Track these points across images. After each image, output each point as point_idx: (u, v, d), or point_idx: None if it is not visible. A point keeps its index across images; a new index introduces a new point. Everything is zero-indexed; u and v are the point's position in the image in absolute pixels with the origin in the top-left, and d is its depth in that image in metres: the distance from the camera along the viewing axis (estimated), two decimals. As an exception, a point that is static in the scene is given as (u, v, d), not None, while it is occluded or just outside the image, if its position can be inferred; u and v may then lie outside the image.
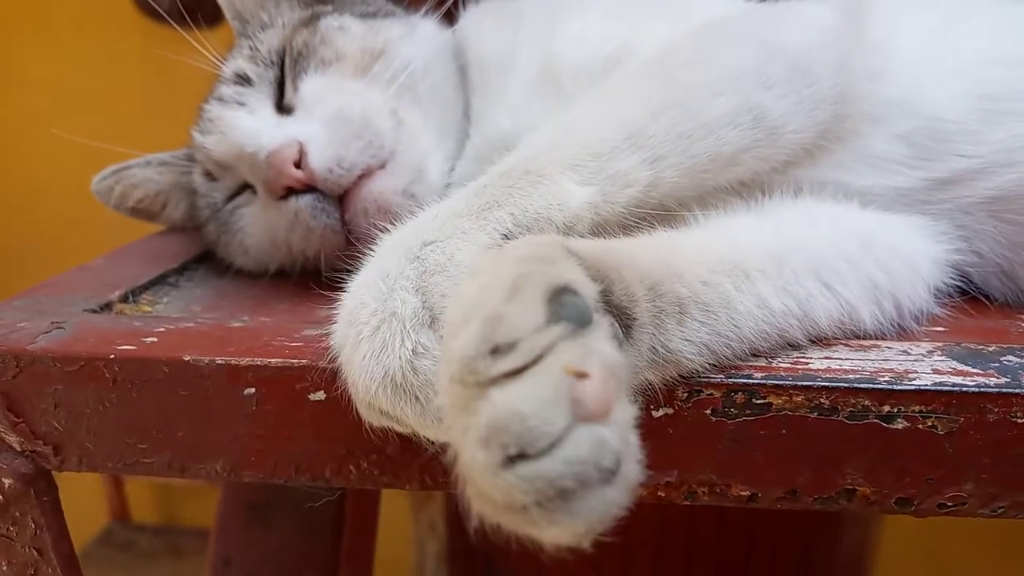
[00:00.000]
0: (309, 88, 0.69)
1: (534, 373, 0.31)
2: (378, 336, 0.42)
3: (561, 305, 0.33)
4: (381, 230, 0.49)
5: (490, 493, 0.31)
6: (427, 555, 1.94)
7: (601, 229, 0.50)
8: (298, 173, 0.62)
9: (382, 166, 0.65)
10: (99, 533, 2.15)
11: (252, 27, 0.77)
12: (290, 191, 0.63)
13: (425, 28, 0.78)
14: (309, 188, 0.63)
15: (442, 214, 0.47)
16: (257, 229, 0.70)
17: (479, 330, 0.32)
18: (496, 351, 0.32)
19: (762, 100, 0.55)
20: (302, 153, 0.62)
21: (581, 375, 0.31)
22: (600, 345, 0.33)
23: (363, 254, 0.48)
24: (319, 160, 0.62)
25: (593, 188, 0.49)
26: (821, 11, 0.62)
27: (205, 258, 0.78)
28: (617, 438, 0.32)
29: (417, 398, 0.41)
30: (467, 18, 0.79)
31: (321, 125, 0.64)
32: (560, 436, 0.30)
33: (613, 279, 0.41)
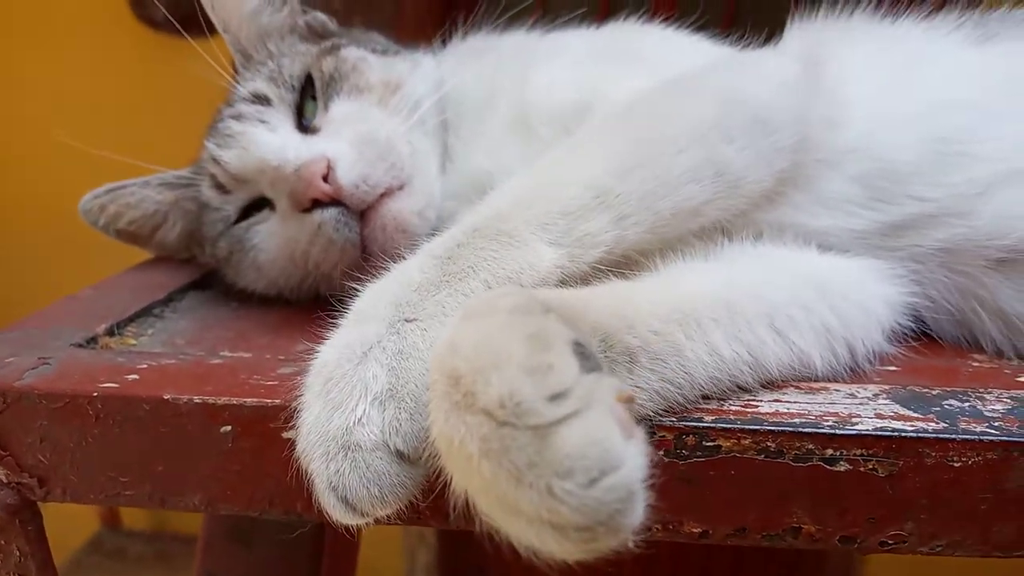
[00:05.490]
0: (340, 110, 0.73)
1: (587, 412, 0.36)
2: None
3: (585, 357, 0.39)
4: (396, 247, 0.55)
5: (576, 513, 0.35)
6: (417, 565, 1.95)
7: (563, 283, 0.52)
8: (326, 187, 0.66)
9: (401, 187, 0.69)
10: (89, 540, 2.16)
11: (260, 56, 0.80)
12: (315, 204, 0.67)
13: (426, 66, 0.81)
14: (334, 202, 0.67)
15: (423, 284, 0.49)
16: (273, 244, 0.72)
17: (528, 380, 0.36)
18: (555, 397, 0.36)
19: (723, 154, 0.56)
20: (330, 168, 0.66)
21: (629, 399, 0.40)
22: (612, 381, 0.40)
23: (375, 269, 0.52)
24: (347, 176, 0.66)
25: (562, 250, 0.51)
26: (779, 62, 0.64)
27: (191, 288, 0.80)
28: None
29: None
30: (448, 57, 0.81)
31: (349, 145, 0.68)
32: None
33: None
